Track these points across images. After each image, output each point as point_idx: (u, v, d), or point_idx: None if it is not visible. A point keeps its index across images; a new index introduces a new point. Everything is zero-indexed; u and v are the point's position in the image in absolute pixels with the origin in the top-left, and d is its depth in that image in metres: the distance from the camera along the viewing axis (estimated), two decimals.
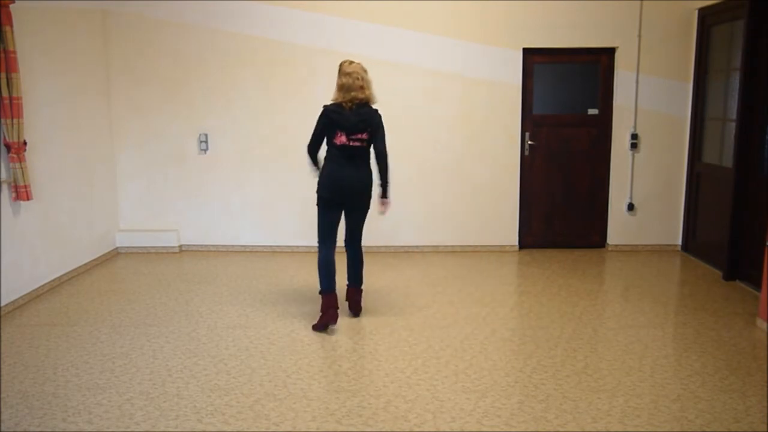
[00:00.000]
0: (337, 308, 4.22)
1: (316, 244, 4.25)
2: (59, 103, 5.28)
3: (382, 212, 4.41)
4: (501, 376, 3.50)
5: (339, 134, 4.11)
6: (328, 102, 4.21)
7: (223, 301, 4.81)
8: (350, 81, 4.09)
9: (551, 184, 6.29)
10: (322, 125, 4.16)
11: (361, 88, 4.10)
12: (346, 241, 4.42)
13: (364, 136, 4.14)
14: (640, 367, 3.60)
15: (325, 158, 4.23)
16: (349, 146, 4.12)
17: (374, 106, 4.20)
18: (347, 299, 4.49)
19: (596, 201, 6.31)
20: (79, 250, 5.60)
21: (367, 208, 4.34)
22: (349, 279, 4.48)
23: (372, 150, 4.24)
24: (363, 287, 4.52)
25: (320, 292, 4.25)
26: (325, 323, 4.18)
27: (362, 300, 4.52)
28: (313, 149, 4.25)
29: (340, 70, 4.17)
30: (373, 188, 4.29)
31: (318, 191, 4.21)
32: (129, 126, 6.21)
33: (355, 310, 4.47)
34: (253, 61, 6.06)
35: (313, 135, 4.21)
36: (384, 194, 4.30)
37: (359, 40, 5.96)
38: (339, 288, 4.30)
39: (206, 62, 6.07)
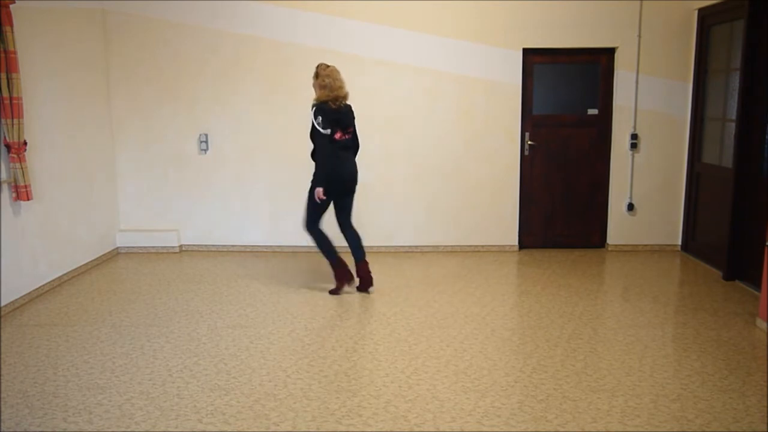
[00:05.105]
0: (350, 271, 4.86)
1: (312, 238, 4.84)
2: (59, 103, 5.28)
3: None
4: (501, 376, 3.50)
5: (338, 131, 4.62)
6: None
7: (223, 301, 4.82)
8: (332, 81, 4.61)
9: (551, 184, 6.29)
10: (326, 122, 4.55)
11: (341, 87, 4.63)
12: (341, 225, 4.87)
13: (350, 129, 4.73)
14: (640, 367, 3.60)
15: (326, 154, 4.61)
16: (344, 140, 4.68)
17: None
18: (359, 276, 4.88)
19: (596, 201, 6.31)
20: (79, 250, 5.60)
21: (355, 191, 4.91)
22: (355, 255, 4.86)
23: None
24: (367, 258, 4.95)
25: (332, 265, 4.85)
26: (341, 287, 4.86)
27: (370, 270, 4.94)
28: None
29: (319, 73, 4.66)
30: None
31: (318, 183, 4.62)
32: (129, 126, 6.21)
33: (366, 283, 4.88)
34: (253, 61, 6.06)
35: (323, 134, 4.58)
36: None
37: (359, 40, 5.97)
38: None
39: (206, 62, 6.08)
